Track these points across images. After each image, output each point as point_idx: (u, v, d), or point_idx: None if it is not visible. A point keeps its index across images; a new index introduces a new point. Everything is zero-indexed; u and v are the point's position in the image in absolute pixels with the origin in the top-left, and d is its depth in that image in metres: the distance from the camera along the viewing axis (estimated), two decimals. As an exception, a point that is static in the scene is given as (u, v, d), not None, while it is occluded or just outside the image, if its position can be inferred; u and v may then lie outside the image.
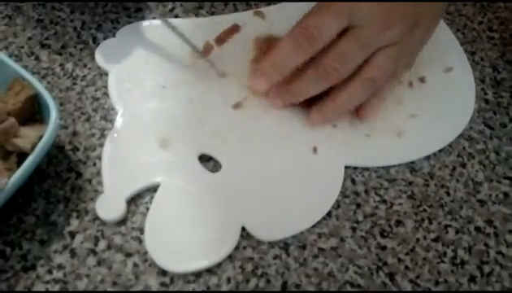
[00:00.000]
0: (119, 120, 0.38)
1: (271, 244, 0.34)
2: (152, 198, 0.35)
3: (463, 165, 0.39)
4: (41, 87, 0.33)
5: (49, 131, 0.31)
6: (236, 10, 0.46)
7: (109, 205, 0.34)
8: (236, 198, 0.35)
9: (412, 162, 0.38)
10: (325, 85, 0.36)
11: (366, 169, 0.38)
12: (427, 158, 0.39)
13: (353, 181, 0.37)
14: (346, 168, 0.37)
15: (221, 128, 0.38)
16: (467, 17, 0.48)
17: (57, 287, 0.31)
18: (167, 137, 0.37)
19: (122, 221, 0.34)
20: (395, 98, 0.42)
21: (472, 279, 0.34)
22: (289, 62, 0.36)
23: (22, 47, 0.41)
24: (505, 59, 0.45)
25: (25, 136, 0.31)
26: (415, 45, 0.38)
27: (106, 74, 0.40)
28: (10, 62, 0.34)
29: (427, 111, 0.41)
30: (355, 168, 0.38)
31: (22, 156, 0.31)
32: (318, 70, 0.35)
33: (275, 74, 0.37)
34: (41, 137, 0.31)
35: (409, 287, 0.33)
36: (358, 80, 0.36)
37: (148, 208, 0.34)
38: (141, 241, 0.33)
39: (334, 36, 0.35)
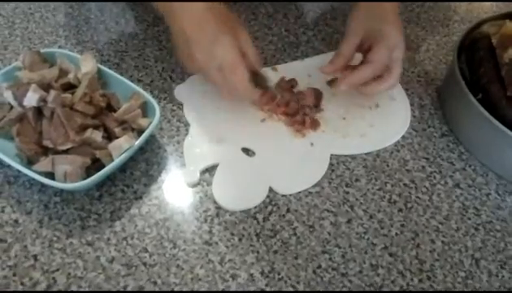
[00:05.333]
0: (192, 129, 0.62)
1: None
2: (215, 171, 0.57)
3: (398, 150, 0.62)
4: (149, 97, 0.58)
5: (156, 117, 0.55)
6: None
7: (189, 174, 0.57)
8: (265, 171, 0.58)
9: (367, 149, 0.63)
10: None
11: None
12: (376, 147, 0.63)
13: (330, 158, 0.61)
14: (331, 155, 0.61)
15: (254, 132, 0.62)
16: (405, 69, 0.74)
17: (155, 208, 0.54)
18: (221, 137, 0.61)
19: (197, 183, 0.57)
20: (361, 115, 0.66)
21: (400, 210, 0.56)
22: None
23: (126, 81, 0.67)
24: (427, 93, 0.71)
25: (142, 121, 0.56)
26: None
27: (179, 101, 0.65)
28: (131, 83, 0.59)
29: (380, 123, 0.66)
30: (336, 155, 0.61)
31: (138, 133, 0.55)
32: (376, 68, 0.60)
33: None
34: (149, 124, 0.56)
35: (361, 213, 0.55)
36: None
37: (212, 175, 0.57)
38: (206, 188, 0.56)
39: None
